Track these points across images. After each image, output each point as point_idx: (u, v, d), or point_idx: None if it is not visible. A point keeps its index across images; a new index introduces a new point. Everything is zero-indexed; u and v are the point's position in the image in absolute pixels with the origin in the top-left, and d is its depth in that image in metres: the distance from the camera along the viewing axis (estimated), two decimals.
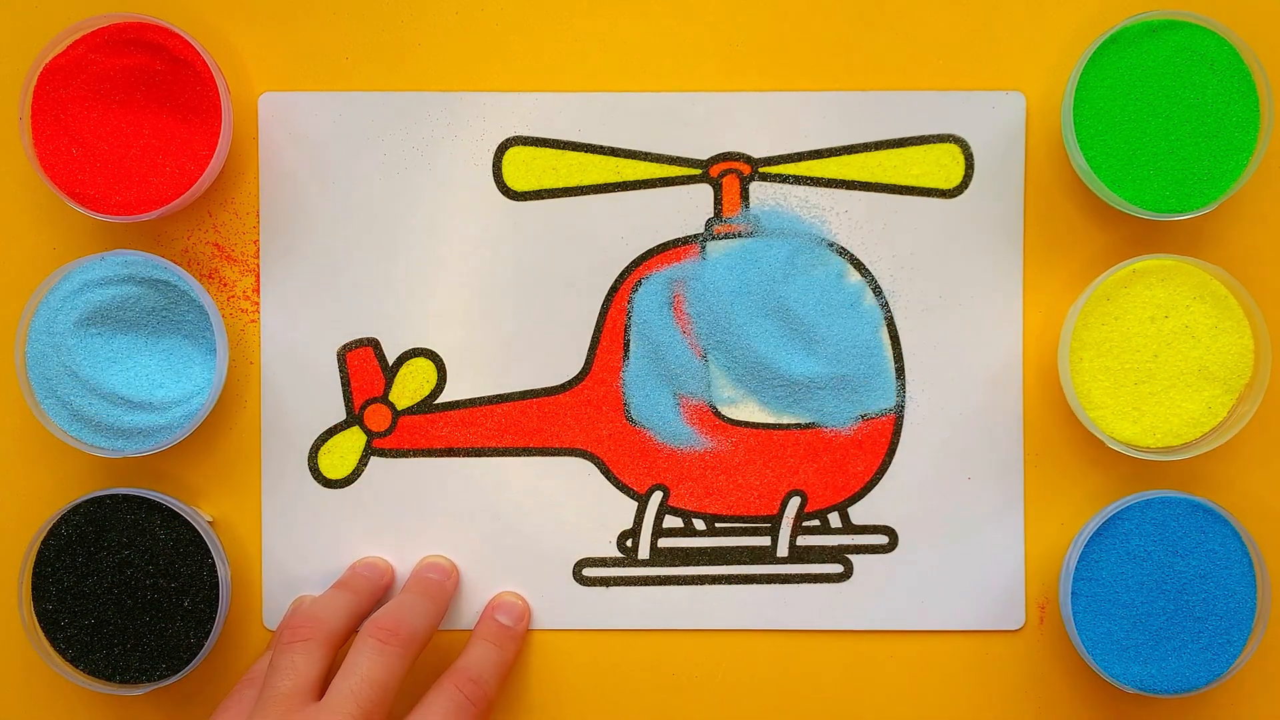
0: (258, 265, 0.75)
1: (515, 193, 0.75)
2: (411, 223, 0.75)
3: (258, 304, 0.74)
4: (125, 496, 0.72)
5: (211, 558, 0.72)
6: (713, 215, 0.75)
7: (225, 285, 0.74)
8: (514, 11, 0.75)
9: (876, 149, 0.75)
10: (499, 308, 0.75)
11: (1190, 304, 0.72)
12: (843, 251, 0.75)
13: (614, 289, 0.75)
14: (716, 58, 0.75)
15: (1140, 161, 0.72)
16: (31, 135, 0.71)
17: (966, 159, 0.75)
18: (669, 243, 0.75)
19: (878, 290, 0.75)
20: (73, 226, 0.74)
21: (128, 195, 0.71)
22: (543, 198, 0.75)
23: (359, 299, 0.75)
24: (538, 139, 0.75)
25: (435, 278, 0.75)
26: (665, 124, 0.75)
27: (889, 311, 0.75)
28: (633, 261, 0.75)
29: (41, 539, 0.71)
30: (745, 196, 0.75)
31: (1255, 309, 0.72)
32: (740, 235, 0.75)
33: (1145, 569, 0.72)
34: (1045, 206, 0.75)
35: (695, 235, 0.75)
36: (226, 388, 0.74)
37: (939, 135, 0.75)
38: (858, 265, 0.75)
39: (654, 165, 0.75)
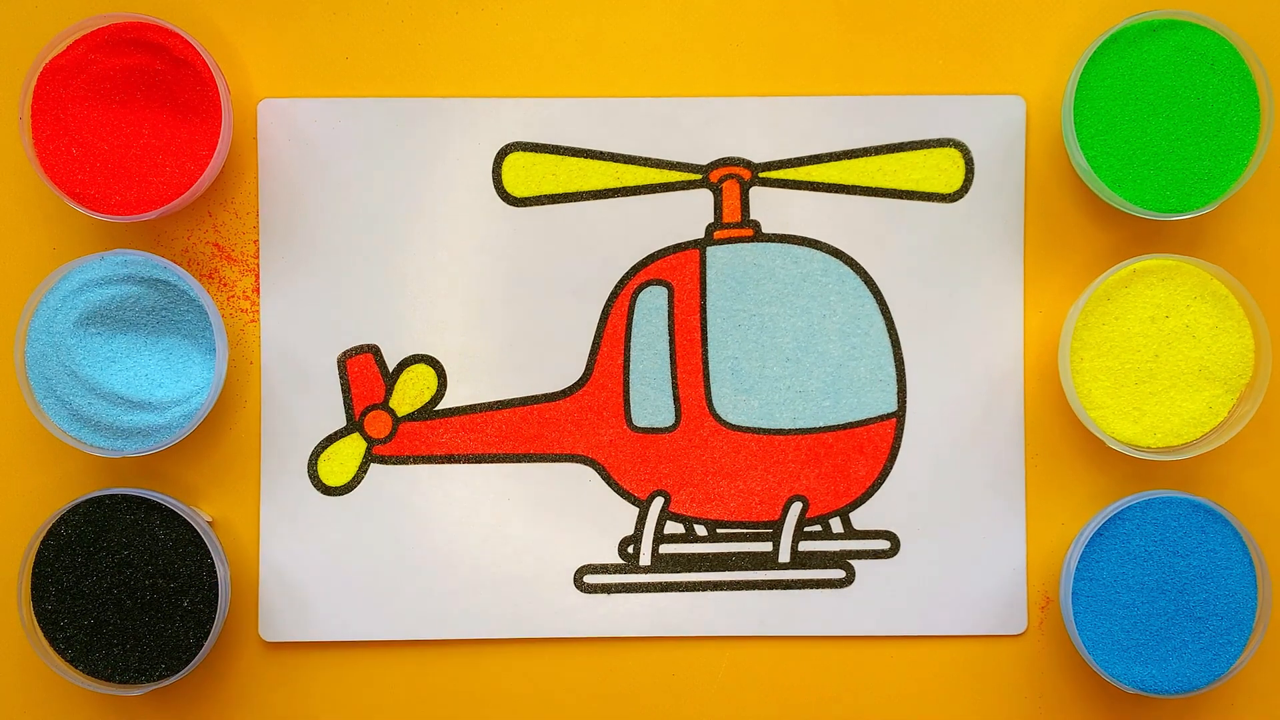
0: (257, 265, 0.75)
1: (515, 199, 0.75)
2: (411, 229, 0.74)
3: (257, 304, 0.74)
4: (125, 496, 0.72)
5: (211, 558, 0.71)
6: (713, 220, 0.75)
7: (225, 285, 0.75)
8: (513, 15, 0.75)
9: (876, 154, 0.75)
10: (499, 313, 0.75)
11: (1190, 304, 0.72)
12: (843, 256, 0.75)
13: (614, 294, 0.75)
14: (716, 62, 0.75)
15: (1140, 161, 0.72)
16: (31, 135, 0.71)
17: (967, 163, 0.75)
18: (669, 248, 0.75)
19: (878, 295, 0.75)
20: (72, 226, 0.74)
21: (128, 195, 0.71)
22: (542, 203, 0.75)
23: (359, 306, 0.74)
24: (537, 145, 0.75)
25: (435, 284, 0.74)
26: (665, 129, 0.75)
27: (889, 315, 0.75)
28: (633, 267, 0.75)
29: (41, 539, 0.71)
30: (745, 201, 0.75)
31: (1255, 309, 0.71)
32: (740, 240, 0.75)
33: (1145, 569, 0.72)
34: (1045, 206, 0.75)
35: (696, 240, 0.75)
36: (226, 388, 0.74)
37: (939, 140, 0.75)
38: (858, 269, 0.75)
39: (654, 170, 0.75)
